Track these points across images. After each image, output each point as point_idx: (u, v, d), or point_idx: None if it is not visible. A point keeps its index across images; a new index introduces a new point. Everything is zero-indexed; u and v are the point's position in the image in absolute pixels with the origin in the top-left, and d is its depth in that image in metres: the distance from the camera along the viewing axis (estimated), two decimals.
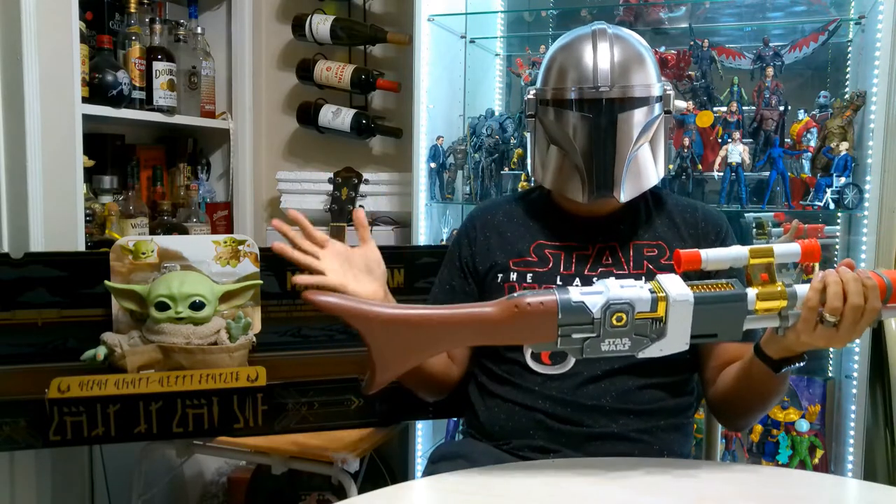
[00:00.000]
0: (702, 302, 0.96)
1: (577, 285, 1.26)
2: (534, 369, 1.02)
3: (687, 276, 1.00)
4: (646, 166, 1.27)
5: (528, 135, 1.36)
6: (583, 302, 0.96)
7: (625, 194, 1.24)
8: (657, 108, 1.26)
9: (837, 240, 1.99)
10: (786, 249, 0.99)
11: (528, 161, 1.36)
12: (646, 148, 1.27)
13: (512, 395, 1.27)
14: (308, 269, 1.19)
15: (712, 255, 1.00)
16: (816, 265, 1.85)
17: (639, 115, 1.24)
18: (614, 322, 0.96)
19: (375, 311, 0.98)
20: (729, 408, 1.27)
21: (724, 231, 1.33)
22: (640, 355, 0.98)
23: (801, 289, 0.99)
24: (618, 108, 1.22)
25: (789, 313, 0.99)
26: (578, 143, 1.24)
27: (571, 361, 1.00)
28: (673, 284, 0.97)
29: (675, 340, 0.97)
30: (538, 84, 1.31)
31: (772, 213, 1.92)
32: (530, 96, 1.32)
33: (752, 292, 0.98)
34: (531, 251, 1.32)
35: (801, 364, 1.07)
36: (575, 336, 0.96)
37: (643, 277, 1.24)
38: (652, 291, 0.96)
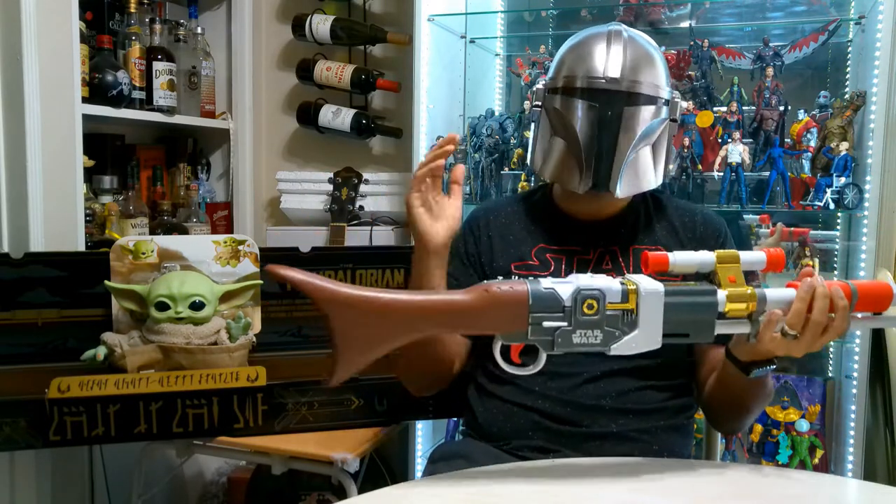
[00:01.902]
0: (672, 294, 0.96)
1: None
2: (506, 369, 0.98)
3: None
4: (645, 168, 1.27)
5: (531, 126, 1.36)
6: (553, 289, 0.94)
7: (620, 190, 1.24)
8: (664, 111, 1.26)
9: (836, 244, 1.99)
10: (752, 257, 1.01)
11: (529, 153, 1.36)
12: (647, 150, 1.27)
13: (511, 395, 1.27)
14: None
15: (679, 259, 1.00)
16: (816, 263, 1.86)
17: (644, 114, 1.24)
18: (585, 310, 0.94)
19: (338, 290, 0.91)
20: (715, 411, 1.28)
21: (724, 236, 1.33)
22: (613, 350, 0.96)
23: (771, 293, 0.99)
24: (624, 102, 1.23)
25: (759, 318, 0.99)
26: (581, 132, 1.24)
27: (542, 361, 0.97)
28: (643, 279, 0.97)
29: (648, 335, 0.96)
30: (549, 75, 1.32)
31: (770, 215, 1.92)
32: (539, 86, 1.32)
33: (721, 292, 0.98)
34: (532, 255, 1.32)
35: (772, 368, 1.07)
36: (546, 325, 0.94)
37: None
38: (622, 283, 0.96)
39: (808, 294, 0.98)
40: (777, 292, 1.00)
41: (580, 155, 1.24)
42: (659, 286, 0.96)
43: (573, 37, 1.32)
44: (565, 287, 0.95)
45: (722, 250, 1.01)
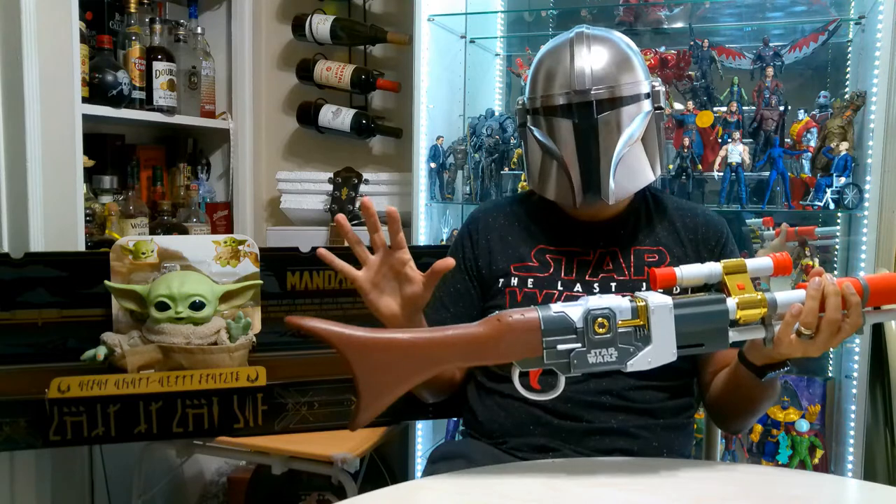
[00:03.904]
0: (681, 306, 0.98)
1: (577, 291, 1.27)
2: (527, 396, 1.01)
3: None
4: (637, 165, 1.26)
5: (521, 146, 1.36)
6: (564, 312, 0.97)
7: (613, 196, 1.24)
8: (646, 104, 1.25)
9: (836, 240, 1.99)
10: (758, 264, 1.02)
11: (526, 172, 1.36)
12: (637, 147, 1.25)
13: (511, 391, 1.26)
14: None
15: (687, 273, 1.02)
16: (816, 264, 1.86)
17: (624, 115, 1.23)
18: (597, 329, 0.97)
19: (355, 336, 0.95)
20: (722, 412, 1.28)
21: (725, 237, 1.33)
22: (630, 367, 0.98)
23: (781, 296, 1.00)
24: (599, 109, 1.22)
25: (773, 322, 1.00)
26: (563, 148, 1.24)
27: (561, 385, 1.00)
28: (652, 294, 0.99)
29: (662, 349, 0.98)
30: (525, 94, 1.31)
31: (770, 216, 1.92)
32: (518, 107, 1.32)
33: (731, 301, 0.99)
34: (532, 256, 1.31)
35: (785, 370, 1.08)
36: (560, 348, 0.97)
37: (644, 284, 1.25)
38: (631, 301, 0.98)
39: (818, 292, 0.99)
40: (787, 294, 1.00)
41: (567, 170, 1.24)
42: (667, 300, 0.97)
43: (541, 49, 1.31)
44: (575, 309, 0.97)
45: (728, 260, 1.02)
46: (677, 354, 0.98)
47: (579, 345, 0.97)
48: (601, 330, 0.97)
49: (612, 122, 1.22)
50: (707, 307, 0.98)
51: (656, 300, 0.97)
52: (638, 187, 1.28)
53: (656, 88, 1.27)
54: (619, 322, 0.97)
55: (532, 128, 1.29)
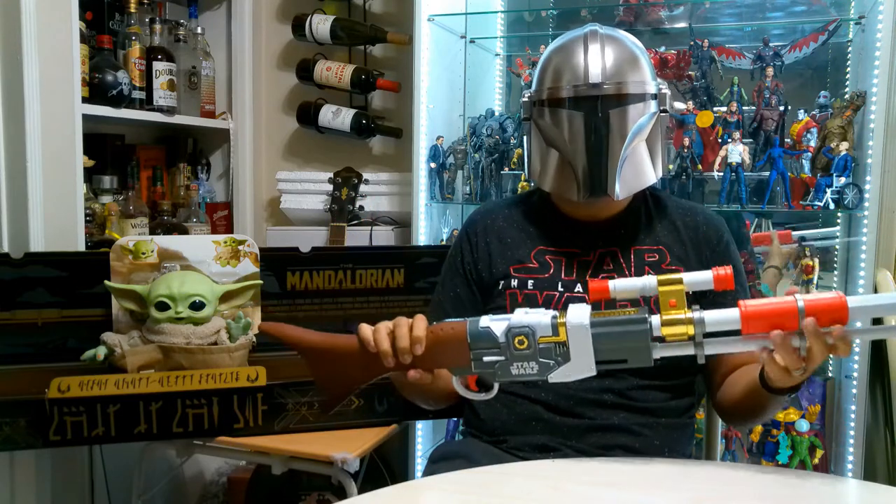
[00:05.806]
0: (598, 325, 0.99)
1: (578, 291, 1.27)
2: (464, 395, 1.08)
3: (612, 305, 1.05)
4: (641, 165, 1.27)
5: (524, 139, 1.36)
6: (489, 327, 1.03)
7: (619, 192, 1.24)
8: (652, 105, 1.26)
9: (836, 240, 1.99)
10: (696, 278, 0.99)
11: (526, 164, 1.36)
12: (642, 147, 1.27)
13: (513, 388, 1.27)
14: None
15: (620, 285, 1.02)
16: (816, 263, 1.86)
17: (632, 112, 1.24)
18: (517, 345, 1.01)
19: (306, 337, 1.10)
20: (737, 416, 1.26)
21: (724, 236, 1.33)
22: (551, 379, 1.01)
23: (710, 315, 0.96)
24: (609, 104, 1.23)
25: (703, 340, 0.97)
26: (572, 141, 1.25)
27: (496, 388, 1.06)
28: (576, 311, 1.00)
29: (581, 365, 1.00)
30: (533, 87, 1.32)
31: (770, 216, 1.93)
32: (525, 99, 1.32)
33: (655, 318, 0.98)
34: (532, 257, 1.31)
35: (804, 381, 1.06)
36: (486, 359, 1.03)
37: None
38: (554, 317, 1.01)
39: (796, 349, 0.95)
40: (717, 314, 0.96)
41: (575, 164, 1.25)
42: (585, 319, 0.99)
43: (551, 44, 1.32)
44: (499, 324, 1.02)
45: (664, 275, 0.99)
46: (597, 369, 1.00)
47: (502, 357, 1.02)
48: (521, 346, 1.01)
49: (624, 117, 1.23)
50: (626, 326, 0.98)
51: (574, 319, 0.99)
52: (641, 186, 1.28)
53: (662, 91, 1.28)
54: (541, 338, 1.01)
55: (538, 120, 1.30)
